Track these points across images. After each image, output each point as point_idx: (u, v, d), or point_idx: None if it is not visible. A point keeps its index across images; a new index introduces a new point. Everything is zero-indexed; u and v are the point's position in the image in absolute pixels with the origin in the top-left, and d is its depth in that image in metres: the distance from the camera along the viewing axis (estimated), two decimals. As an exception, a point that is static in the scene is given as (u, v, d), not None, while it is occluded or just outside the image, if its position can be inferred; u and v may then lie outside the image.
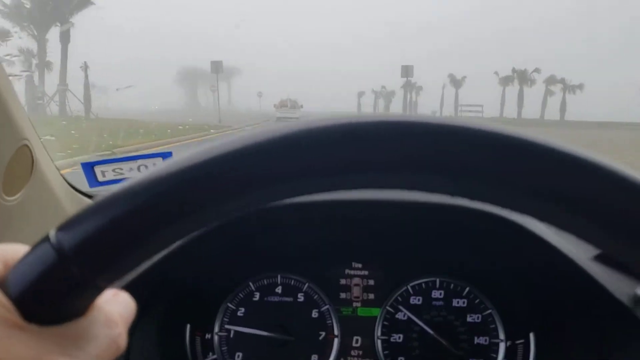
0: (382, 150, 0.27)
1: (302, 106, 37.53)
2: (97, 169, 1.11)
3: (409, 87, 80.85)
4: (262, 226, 0.88)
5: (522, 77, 74.15)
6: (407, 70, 32.11)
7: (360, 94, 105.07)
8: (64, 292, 0.28)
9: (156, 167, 0.28)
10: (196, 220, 0.29)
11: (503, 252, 0.86)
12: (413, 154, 0.27)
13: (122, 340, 0.32)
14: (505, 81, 76.99)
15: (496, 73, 78.61)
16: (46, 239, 0.28)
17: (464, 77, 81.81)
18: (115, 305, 0.33)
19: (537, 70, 74.64)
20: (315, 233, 0.93)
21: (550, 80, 75.76)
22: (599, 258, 0.75)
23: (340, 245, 0.93)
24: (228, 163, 0.27)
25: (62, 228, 0.28)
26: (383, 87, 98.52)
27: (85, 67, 24.93)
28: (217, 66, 26.25)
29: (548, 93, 74.13)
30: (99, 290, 0.29)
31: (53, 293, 0.28)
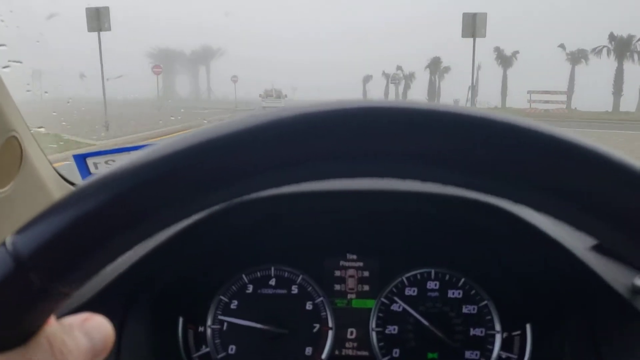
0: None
1: (286, 96, 39.69)
2: (90, 161, 1.10)
3: (437, 67, 60.96)
4: (255, 218, 0.87)
5: (623, 48, 47.59)
6: (473, 22, 18.20)
7: (367, 79, 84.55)
8: (22, 303, 0.26)
9: (119, 162, 0.26)
10: (165, 217, 0.27)
11: (499, 243, 0.85)
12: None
13: None
14: (576, 58, 53.09)
15: (562, 46, 54.95)
16: (2, 244, 0.26)
17: (515, 53, 58.33)
18: (73, 334, 0.29)
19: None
20: (310, 224, 0.92)
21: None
22: (596, 248, 0.74)
23: (334, 237, 0.92)
24: (194, 157, 0.26)
25: (19, 232, 0.26)
26: (399, 67, 73.24)
27: None
28: (97, 17, 11.56)
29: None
30: (62, 296, 0.27)
31: (9, 305, 0.25)
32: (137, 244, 0.28)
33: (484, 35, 18.55)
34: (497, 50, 58.41)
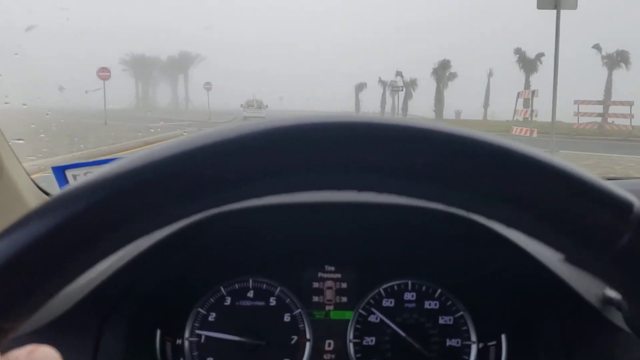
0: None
1: (267, 106, 39.91)
2: (69, 173, 1.10)
3: (444, 73, 50.71)
4: (233, 230, 0.87)
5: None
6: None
7: (359, 87, 70.55)
8: None
9: (62, 189, 0.26)
10: (109, 247, 0.26)
11: (474, 255, 0.86)
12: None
13: None
14: (615, 61, 41.43)
15: (596, 47, 42.64)
16: None
17: (539, 55, 45.97)
18: None
19: None
20: (288, 236, 0.92)
21: None
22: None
23: (312, 249, 0.93)
24: (136, 178, 0.25)
25: None
26: (399, 73, 58.92)
27: None
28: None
29: None
30: (5, 333, 0.26)
31: None
32: (81, 274, 0.27)
33: (574, 7, 11.55)
34: (519, 52, 46.55)
